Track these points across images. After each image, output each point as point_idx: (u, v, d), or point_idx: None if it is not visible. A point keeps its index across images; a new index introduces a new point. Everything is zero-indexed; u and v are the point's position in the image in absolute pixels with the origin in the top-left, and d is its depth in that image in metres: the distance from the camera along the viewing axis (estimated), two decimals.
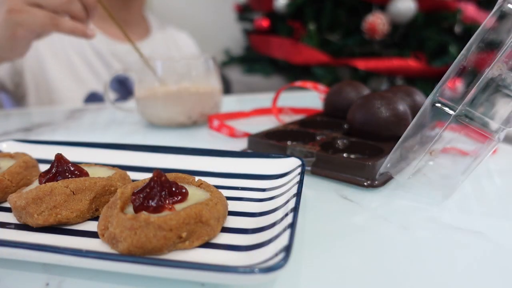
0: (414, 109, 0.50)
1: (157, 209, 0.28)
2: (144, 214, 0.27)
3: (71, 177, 0.33)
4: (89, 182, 0.32)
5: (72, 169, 0.34)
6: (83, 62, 0.99)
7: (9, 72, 0.92)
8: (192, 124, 0.68)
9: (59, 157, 0.34)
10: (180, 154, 0.43)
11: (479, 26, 0.34)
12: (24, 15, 0.58)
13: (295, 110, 0.77)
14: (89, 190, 0.32)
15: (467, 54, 0.35)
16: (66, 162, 0.34)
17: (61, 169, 0.33)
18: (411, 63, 1.58)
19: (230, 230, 0.30)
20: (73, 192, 0.31)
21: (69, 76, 0.97)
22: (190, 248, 0.27)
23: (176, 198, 0.29)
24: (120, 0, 1.00)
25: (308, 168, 0.45)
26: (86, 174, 0.34)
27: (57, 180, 0.32)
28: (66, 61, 0.97)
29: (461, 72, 0.35)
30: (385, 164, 0.41)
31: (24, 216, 0.30)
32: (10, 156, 0.40)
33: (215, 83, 0.70)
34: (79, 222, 0.32)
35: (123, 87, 1.01)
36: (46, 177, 0.33)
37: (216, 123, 0.64)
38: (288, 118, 0.72)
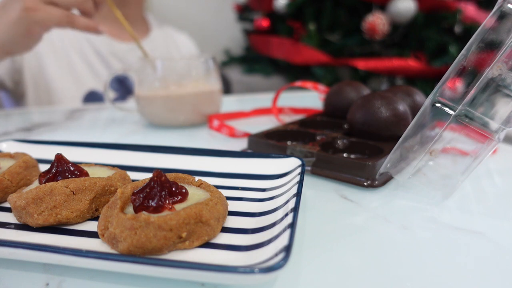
0: (414, 109, 0.50)
1: (157, 209, 0.28)
2: (144, 214, 0.27)
3: (71, 177, 0.33)
4: (89, 182, 0.32)
5: (72, 169, 0.34)
6: (82, 61, 0.99)
7: (8, 70, 0.92)
8: (192, 124, 0.68)
9: (59, 157, 0.34)
10: (180, 154, 0.43)
11: (479, 26, 0.34)
12: (41, 14, 0.60)
13: (295, 110, 0.77)
14: (89, 190, 0.32)
15: (467, 54, 0.35)
16: (66, 162, 0.34)
17: (61, 169, 0.33)
18: (411, 63, 1.58)
19: (230, 230, 0.30)
20: (73, 192, 0.31)
21: (68, 75, 0.97)
22: (190, 248, 0.27)
23: (176, 198, 0.29)
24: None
25: (308, 168, 0.45)
26: (86, 174, 0.34)
27: (57, 180, 0.32)
28: (65, 60, 0.97)
29: (461, 72, 0.35)
30: (385, 164, 0.41)
31: (24, 216, 0.30)
32: (10, 156, 0.40)
33: (215, 83, 0.70)
34: (79, 222, 0.32)
35: (122, 87, 1.01)
36: (46, 177, 0.33)
37: (216, 123, 0.64)
38: (288, 118, 0.72)
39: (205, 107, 0.68)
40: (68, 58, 0.97)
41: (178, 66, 0.67)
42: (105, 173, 0.36)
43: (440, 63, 1.55)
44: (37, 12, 0.59)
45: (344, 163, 0.42)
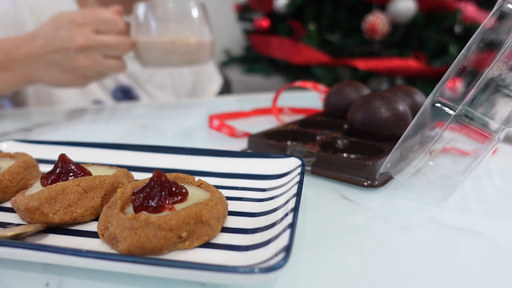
0: (414, 109, 0.50)
1: (157, 209, 0.28)
2: (144, 214, 0.27)
3: (76, 177, 0.33)
4: (98, 180, 0.33)
5: (75, 169, 0.34)
6: None
7: None
8: (185, 65, 0.73)
9: (63, 157, 0.34)
10: (180, 154, 0.43)
11: (479, 26, 0.34)
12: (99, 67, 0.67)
13: (295, 110, 0.77)
14: (99, 188, 0.32)
15: (467, 54, 0.35)
16: (70, 162, 0.34)
17: (65, 169, 0.33)
18: (411, 63, 1.58)
19: (230, 230, 0.30)
20: (85, 190, 0.32)
21: None
22: (190, 248, 0.27)
23: (176, 198, 0.29)
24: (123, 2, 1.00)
25: (308, 168, 0.45)
26: (89, 174, 0.34)
27: (61, 181, 0.32)
28: None
29: (461, 72, 0.35)
30: (385, 164, 0.41)
31: (37, 217, 0.30)
32: (10, 156, 0.40)
33: (205, 31, 0.74)
34: (92, 220, 0.32)
35: (126, 97, 1.01)
36: (51, 177, 0.33)
37: (216, 123, 0.64)
38: (288, 118, 0.72)
39: (196, 53, 0.72)
40: None
41: (168, 7, 0.71)
42: (105, 172, 0.36)
43: (440, 63, 1.55)
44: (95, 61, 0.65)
45: (344, 163, 0.42)
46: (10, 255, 0.26)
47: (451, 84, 0.36)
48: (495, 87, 0.34)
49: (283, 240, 0.25)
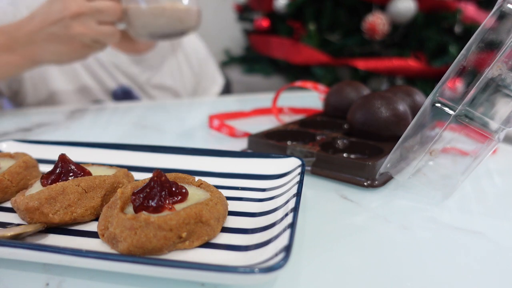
0: (414, 109, 0.50)
1: (157, 209, 0.28)
2: (144, 214, 0.27)
3: (76, 177, 0.33)
4: (98, 180, 0.33)
5: (75, 169, 0.34)
6: (86, 72, 0.97)
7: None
8: (175, 31, 0.75)
9: (63, 157, 0.34)
10: (180, 154, 0.43)
11: (479, 26, 0.34)
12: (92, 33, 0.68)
13: (295, 110, 0.77)
14: (99, 188, 0.33)
15: (467, 54, 0.35)
16: (70, 162, 0.34)
17: (65, 169, 0.33)
18: (411, 63, 1.58)
19: (230, 230, 0.30)
20: (85, 190, 0.32)
21: (72, 85, 0.96)
22: (190, 248, 0.27)
23: (176, 198, 0.29)
24: None
25: (308, 168, 0.45)
26: (89, 174, 0.34)
27: (61, 181, 0.32)
28: (68, 70, 0.95)
29: (461, 72, 0.35)
30: (385, 164, 0.41)
31: (37, 217, 0.30)
32: (10, 156, 0.40)
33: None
34: (92, 220, 0.32)
35: (127, 97, 1.01)
36: (51, 177, 0.33)
37: (216, 123, 0.64)
38: (288, 118, 0.72)
39: (184, 19, 0.74)
40: (71, 68, 0.95)
41: None
42: (105, 172, 0.36)
43: (440, 63, 1.55)
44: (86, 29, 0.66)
45: (344, 163, 0.42)
46: (10, 255, 0.26)
47: (451, 84, 0.36)
48: (495, 87, 0.34)
49: (283, 240, 0.25)
